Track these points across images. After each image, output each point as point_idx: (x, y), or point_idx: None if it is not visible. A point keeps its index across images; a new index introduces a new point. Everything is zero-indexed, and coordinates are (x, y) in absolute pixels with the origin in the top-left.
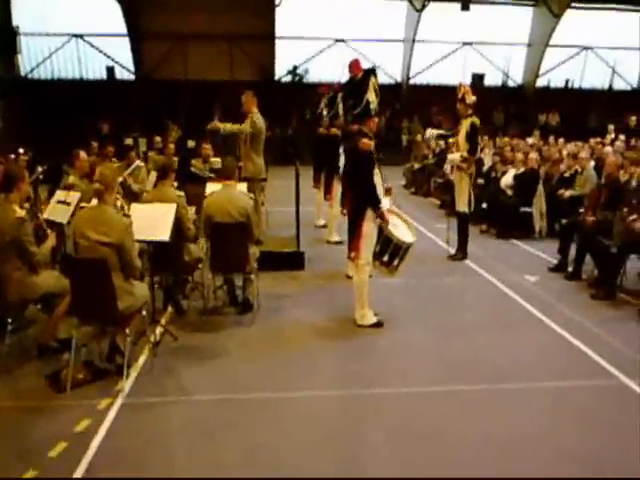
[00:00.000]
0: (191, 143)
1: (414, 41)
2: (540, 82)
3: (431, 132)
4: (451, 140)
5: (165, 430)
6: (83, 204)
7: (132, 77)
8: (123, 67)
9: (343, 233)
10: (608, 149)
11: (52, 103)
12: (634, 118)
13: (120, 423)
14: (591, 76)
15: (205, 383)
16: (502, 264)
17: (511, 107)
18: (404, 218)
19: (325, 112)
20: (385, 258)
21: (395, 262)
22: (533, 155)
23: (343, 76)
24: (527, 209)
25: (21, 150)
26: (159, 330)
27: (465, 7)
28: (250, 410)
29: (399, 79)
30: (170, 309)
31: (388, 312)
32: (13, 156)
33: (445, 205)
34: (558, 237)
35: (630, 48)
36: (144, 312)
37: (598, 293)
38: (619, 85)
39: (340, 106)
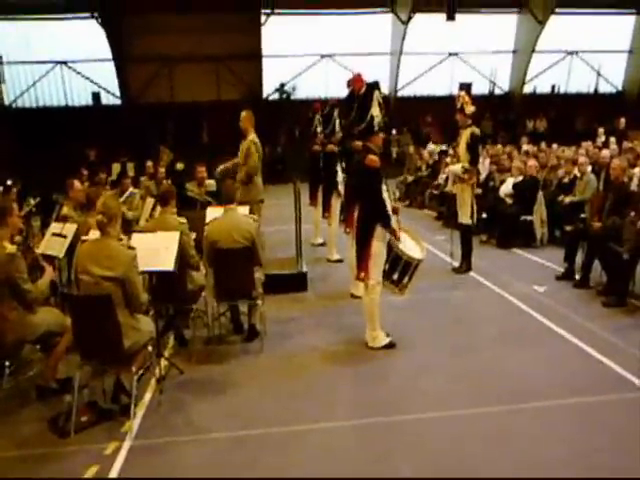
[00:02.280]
0: (180, 166)
1: (401, 53)
2: (527, 88)
3: (433, 148)
4: (451, 152)
5: (179, 474)
6: (84, 237)
7: (118, 102)
8: (109, 92)
9: (342, 251)
10: (605, 153)
11: (38, 131)
12: (623, 120)
13: (130, 468)
14: (577, 80)
15: (217, 420)
16: (508, 275)
17: (499, 114)
18: (412, 234)
19: (319, 129)
20: (395, 276)
21: (405, 280)
22: (532, 162)
23: (330, 91)
24: (527, 217)
25: (9, 182)
26: (164, 364)
27: (450, 17)
28: (269, 447)
29: (387, 92)
30: (172, 341)
31: (398, 331)
32: (1, 188)
33: (443, 216)
34: (559, 244)
35: (614, 51)
36: (150, 347)
37: (609, 300)
38: (604, 88)
39: (337, 122)
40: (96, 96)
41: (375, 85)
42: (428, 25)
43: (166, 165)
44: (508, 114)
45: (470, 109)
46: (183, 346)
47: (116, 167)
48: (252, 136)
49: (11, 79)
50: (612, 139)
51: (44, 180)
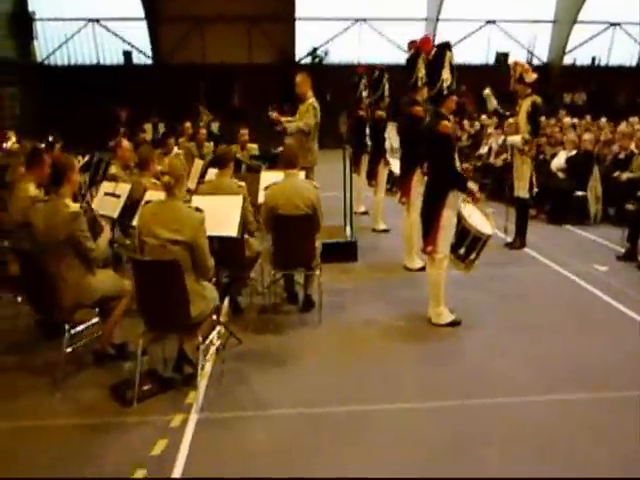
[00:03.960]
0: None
1: (437, 20)
2: (566, 60)
3: (488, 93)
4: (510, 120)
5: (250, 451)
6: (147, 198)
7: (149, 62)
8: (140, 52)
9: (387, 220)
10: None
11: (69, 89)
12: None
13: (200, 444)
14: (619, 53)
15: (281, 395)
16: (564, 252)
17: (537, 86)
18: (481, 208)
19: (365, 94)
20: (461, 251)
21: (472, 256)
22: (588, 136)
23: (363, 57)
24: (581, 193)
25: (50, 138)
26: (222, 332)
27: None
28: (338, 427)
29: None
30: (226, 308)
31: (460, 308)
32: (43, 145)
33: (487, 189)
34: (614, 222)
35: None
36: (214, 316)
37: None
38: None
39: (386, 87)
40: (128, 55)
41: (447, 46)
42: None
43: (205, 126)
44: (545, 86)
45: (532, 77)
46: (238, 314)
47: (148, 127)
48: (311, 99)
49: (43, 36)
50: None
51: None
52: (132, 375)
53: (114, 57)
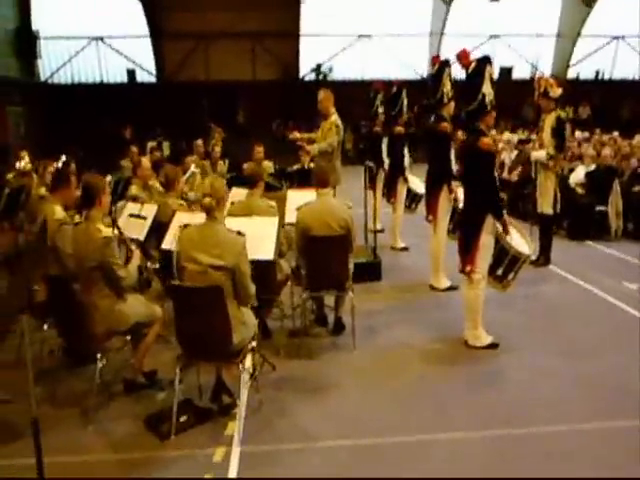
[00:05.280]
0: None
1: (442, 34)
2: (570, 73)
3: (510, 136)
4: (534, 137)
5: None
6: (186, 222)
7: (153, 80)
8: (144, 69)
9: (405, 238)
10: None
11: (73, 108)
12: None
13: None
14: (622, 66)
15: (324, 425)
16: (591, 269)
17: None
18: (518, 227)
19: (381, 110)
20: (499, 272)
21: (510, 276)
22: (607, 151)
23: (367, 73)
24: (602, 208)
25: (63, 157)
26: (256, 358)
27: None
28: (390, 458)
29: (425, 74)
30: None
31: (495, 330)
32: (59, 165)
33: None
34: (634, 238)
35: None
36: (254, 343)
37: None
38: None
39: (405, 103)
40: (131, 73)
41: (487, 60)
42: (470, 6)
43: (218, 144)
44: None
45: (557, 92)
46: (267, 338)
47: (153, 146)
48: (334, 117)
49: (47, 54)
50: None
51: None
52: (166, 405)
53: (117, 75)
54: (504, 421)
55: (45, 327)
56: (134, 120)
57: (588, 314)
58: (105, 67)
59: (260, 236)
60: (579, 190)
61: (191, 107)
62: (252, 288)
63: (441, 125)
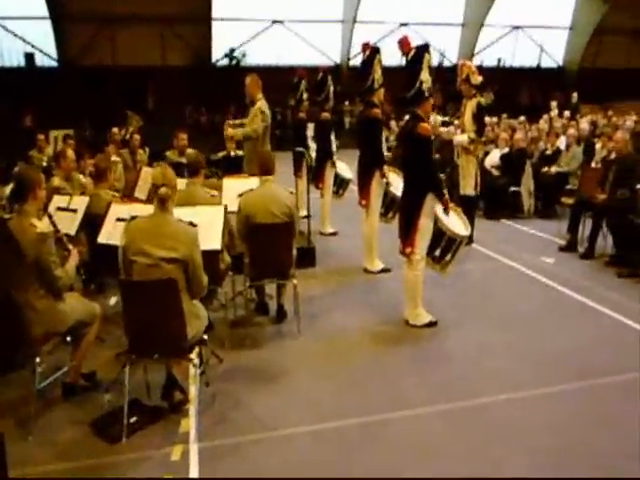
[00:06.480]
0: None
1: (354, 21)
2: (474, 61)
3: (435, 118)
4: (456, 122)
5: (266, 478)
6: (135, 213)
7: (54, 64)
8: (44, 53)
9: (334, 223)
10: (584, 125)
11: None
12: (576, 94)
13: (210, 476)
14: (521, 55)
15: (281, 414)
16: (509, 246)
17: (448, 87)
18: (455, 209)
19: (305, 96)
20: (437, 253)
21: (447, 257)
22: (520, 135)
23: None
24: (516, 188)
25: None
26: (205, 351)
27: None
28: (354, 441)
29: (338, 61)
30: None
31: (431, 308)
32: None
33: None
34: (544, 216)
35: (557, 27)
36: (205, 336)
37: (622, 271)
38: (547, 64)
39: (331, 89)
40: (30, 57)
41: (425, 48)
42: None
43: (136, 131)
44: (455, 87)
45: (477, 79)
46: (209, 330)
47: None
48: (260, 103)
49: None
50: (566, 113)
51: None
52: (112, 407)
53: (14, 59)
54: (454, 395)
55: None
56: (35, 106)
57: (514, 288)
58: (0, 50)
59: (206, 225)
60: (494, 172)
61: (97, 93)
62: (205, 280)
63: (372, 111)
